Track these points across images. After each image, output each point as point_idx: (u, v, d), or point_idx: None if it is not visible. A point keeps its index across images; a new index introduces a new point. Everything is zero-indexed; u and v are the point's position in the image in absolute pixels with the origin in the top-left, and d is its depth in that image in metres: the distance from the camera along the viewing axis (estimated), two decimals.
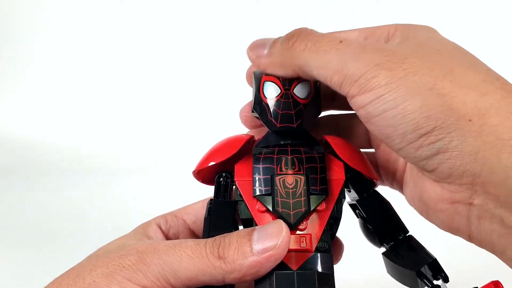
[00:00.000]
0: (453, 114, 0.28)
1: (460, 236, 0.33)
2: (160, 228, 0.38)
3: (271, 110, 0.35)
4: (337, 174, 0.35)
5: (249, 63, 0.40)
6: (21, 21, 1.15)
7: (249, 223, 0.35)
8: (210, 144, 0.38)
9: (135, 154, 0.97)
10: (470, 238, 0.32)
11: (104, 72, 1.11)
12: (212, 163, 0.36)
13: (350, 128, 0.41)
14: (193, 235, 0.40)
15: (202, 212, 0.39)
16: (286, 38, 0.34)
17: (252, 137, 0.37)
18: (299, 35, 0.33)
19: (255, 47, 0.35)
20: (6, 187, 0.91)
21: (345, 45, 0.31)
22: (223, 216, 0.35)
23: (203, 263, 0.31)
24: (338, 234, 0.38)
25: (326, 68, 0.31)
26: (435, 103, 0.28)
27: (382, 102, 0.29)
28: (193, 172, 0.37)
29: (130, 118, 1.06)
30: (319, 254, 0.32)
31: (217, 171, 0.37)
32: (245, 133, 0.40)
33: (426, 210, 0.34)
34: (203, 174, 0.37)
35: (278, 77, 0.35)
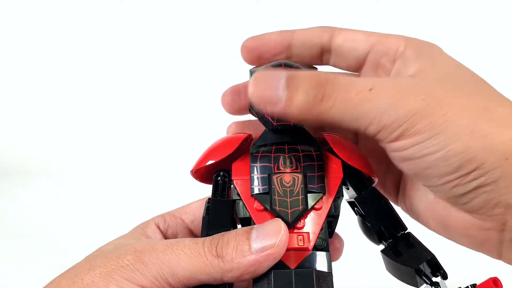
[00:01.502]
0: (493, 154, 0.29)
1: (486, 254, 0.34)
2: (159, 228, 0.38)
3: None
4: (335, 172, 0.35)
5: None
6: None
7: (247, 222, 0.34)
8: (208, 143, 0.38)
9: (132, 154, 0.97)
10: (499, 257, 0.33)
11: (102, 70, 1.10)
12: (209, 162, 0.36)
13: None
14: (192, 234, 0.40)
15: (200, 211, 0.39)
16: (312, 89, 0.30)
17: (250, 135, 0.37)
18: (325, 88, 0.30)
19: (264, 85, 0.31)
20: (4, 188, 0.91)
21: (377, 94, 0.30)
22: (221, 215, 0.35)
23: (201, 262, 0.30)
24: (337, 231, 0.38)
25: (360, 121, 0.30)
26: (477, 146, 0.29)
27: (424, 147, 0.30)
28: (191, 171, 0.37)
29: (127, 117, 1.05)
30: (317, 253, 0.32)
31: (215, 170, 0.37)
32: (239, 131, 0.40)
33: (447, 232, 0.35)
34: (200, 173, 0.37)
35: None
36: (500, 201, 0.30)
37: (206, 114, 0.86)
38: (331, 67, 0.40)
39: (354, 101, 0.30)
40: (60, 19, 1.12)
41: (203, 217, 0.36)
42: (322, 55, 0.38)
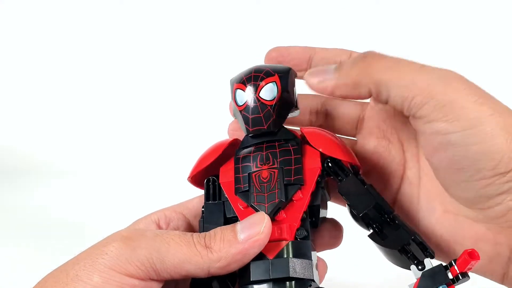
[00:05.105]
0: None
1: (488, 276, 0.34)
2: (157, 224, 0.39)
3: (242, 115, 0.37)
4: (313, 164, 0.35)
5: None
6: None
7: (235, 220, 0.36)
8: (207, 144, 0.39)
9: (131, 155, 0.95)
10: (503, 278, 0.33)
11: (104, 72, 1.10)
12: (199, 169, 0.38)
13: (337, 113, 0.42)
14: (193, 230, 0.40)
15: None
16: (360, 57, 0.33)
17: (236, 140, 0.39)
18: (374, 55, 0.33)
19: (316, 73, 0.35)
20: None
21: (429, 69, 0.31)
22: (214, 215, 0.37)
23: (190, 250, 0.31)
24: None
25: (409, 88, 0.31)
26: None
27: (470, 135, 0.30)
28: (188, 179, 0.40)
29: (127, 117, 1.03)
30: (295, 242, 0.33)
31: (209, 176, 0.39)
32: None
33: (451, 248, 0.35)
34: (196, 180, 0.40)
35: (244, 84, 0.37)
36: None
37: (205, 116, 0.86)
38: None
39: (406, 68, 0.31)
40: (63, 20, 1.10)
41: (199, 221, 0.38)
42: None
